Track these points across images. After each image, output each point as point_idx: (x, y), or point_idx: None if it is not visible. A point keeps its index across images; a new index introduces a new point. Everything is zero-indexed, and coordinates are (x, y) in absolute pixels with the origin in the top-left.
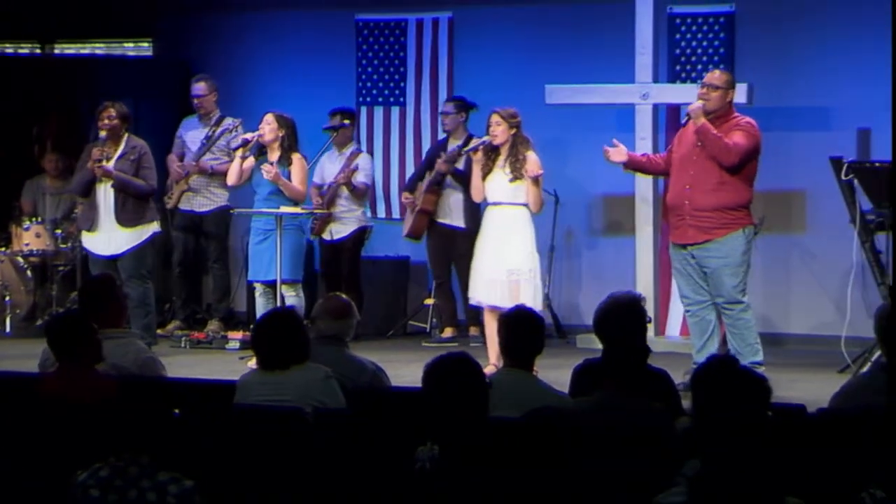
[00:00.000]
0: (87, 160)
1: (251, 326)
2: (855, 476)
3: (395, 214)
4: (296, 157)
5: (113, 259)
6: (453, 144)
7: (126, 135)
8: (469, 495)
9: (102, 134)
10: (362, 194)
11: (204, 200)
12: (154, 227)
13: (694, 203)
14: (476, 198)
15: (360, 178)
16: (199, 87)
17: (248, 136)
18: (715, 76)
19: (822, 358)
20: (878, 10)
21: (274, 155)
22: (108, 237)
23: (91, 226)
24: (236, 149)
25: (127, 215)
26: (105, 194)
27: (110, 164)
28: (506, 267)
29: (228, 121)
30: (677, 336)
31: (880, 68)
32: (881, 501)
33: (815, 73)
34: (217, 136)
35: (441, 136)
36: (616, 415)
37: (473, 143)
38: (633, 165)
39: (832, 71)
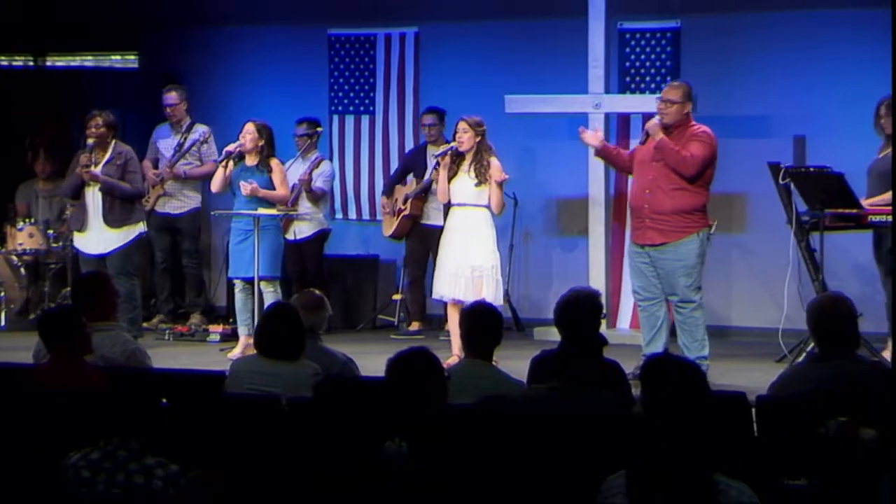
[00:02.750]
0: (77, 165)
1: (230, 320)
2: (789, 458)
3: (366, 216)
4: (274, 162)
5: (102, 258)
6: (433, 150)
7: (113, 141)
8: (435, 485)
9: (90, 141)
10: (318, 198)
11: (178, 203)
12: (140, 227)
13: (653, 206)
14: (441, 199)
15: (318, 183)
16: (171, 97)
17: (231, 147)
18: (670, 91)
19: (761, 349)
20: (812, 27)
21: (253, 160)
22: (98, 237)
23: (81, 226)
24: (219, 161)
25: (114, 216)
26: (93, 197)
27: (98, 169)
28: (469, 264)
29: (202, 128)
30: (627, 329)
31: (814, 80)
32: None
33: (755, 84)
34: (189, 145)
35: (409, 142)
36: (570, 402)
37: (442, 148)
38: (604, 153)
39: (770, 82)
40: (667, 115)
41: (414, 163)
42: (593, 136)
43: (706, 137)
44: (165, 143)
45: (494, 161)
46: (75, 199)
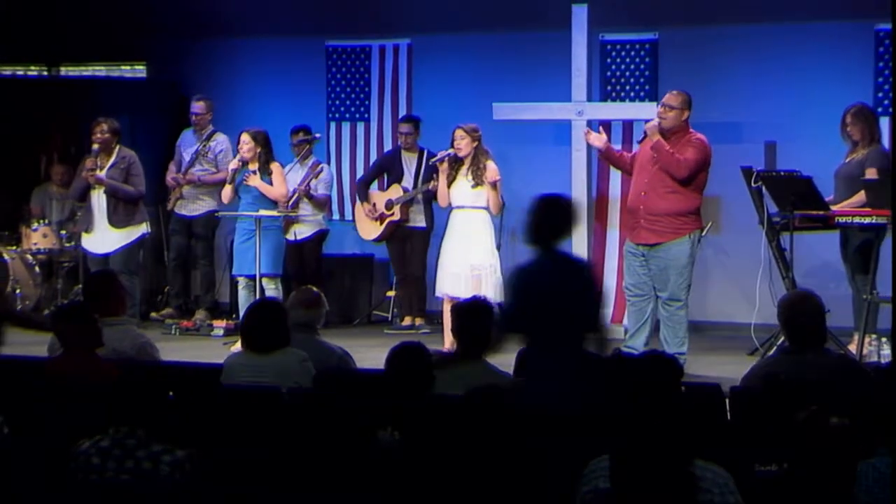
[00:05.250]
0: (83, 170)
1: (234, 315)
2: (760, 445)
3: None
4: (274, 165)
5: (106, 257)
6: (407, 156)
7: (117, 147)
8: (427, 474)
9: (95, 146)
10: (322, 204)
11: (194, 206)
12: (143, 228)
13: (648, 207)
14: (442, 203)
15: (321, 189)
16: (199, 106)
17: (234, 164)
18: (671, 97)
19: (735, 342)
20: (783, 39)
21: (255, 166)
22: (103, 237)
23: (88, 227)
24: (228, 181)
25: (119, 217)
26: (98, 199)
27: (102, 173)
28: (470, 263)
29: (222, 137)
30: (609, 323)
31: (785, 88)
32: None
33: (728, 92)
34: (205, 150)
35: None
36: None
37: (440, 154)
38: (607, 154)
39: (742, 91)
40: (665, 119)
41: (390, 165)
42: (598, 137)
43: (700, 144)
44: (188, 150)
45: (491, 164)
46: (82, 201)
